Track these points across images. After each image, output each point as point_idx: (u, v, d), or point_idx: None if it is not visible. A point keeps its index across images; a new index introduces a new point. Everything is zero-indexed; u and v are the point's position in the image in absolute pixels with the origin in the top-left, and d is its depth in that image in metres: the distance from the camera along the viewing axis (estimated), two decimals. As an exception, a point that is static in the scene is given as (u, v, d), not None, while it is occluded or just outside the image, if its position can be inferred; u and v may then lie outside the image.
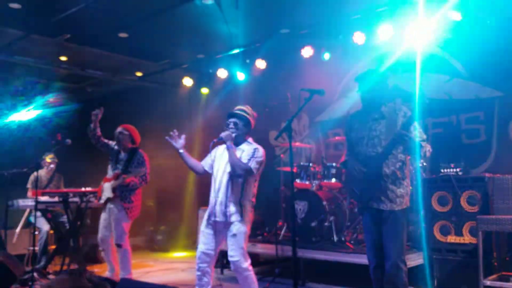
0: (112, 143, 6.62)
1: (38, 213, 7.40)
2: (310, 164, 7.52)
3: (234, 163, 4.71)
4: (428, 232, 5.82)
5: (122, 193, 6.32)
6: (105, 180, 6.50)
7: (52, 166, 8.24)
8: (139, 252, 10.65)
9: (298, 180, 7.46)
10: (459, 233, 5.59)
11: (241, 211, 4.77)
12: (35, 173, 7.46)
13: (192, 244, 9.63)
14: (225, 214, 4.75)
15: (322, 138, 9.06)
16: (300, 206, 7.09)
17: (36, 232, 7.70)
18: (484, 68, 7.35)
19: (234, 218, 4.74)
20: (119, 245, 6.29)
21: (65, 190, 7.34)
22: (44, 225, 7.75)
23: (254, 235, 7.42)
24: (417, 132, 4.24)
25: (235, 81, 9.84)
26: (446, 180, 5.65)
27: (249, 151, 4.85)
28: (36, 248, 7.65)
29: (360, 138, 4.50)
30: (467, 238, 5.51)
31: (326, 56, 8.60)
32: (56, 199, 6.93)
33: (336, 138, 8.52)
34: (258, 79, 9.71)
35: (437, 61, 7.87)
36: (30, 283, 5.92)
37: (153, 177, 11.79)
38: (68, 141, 6.90)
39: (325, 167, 7.37)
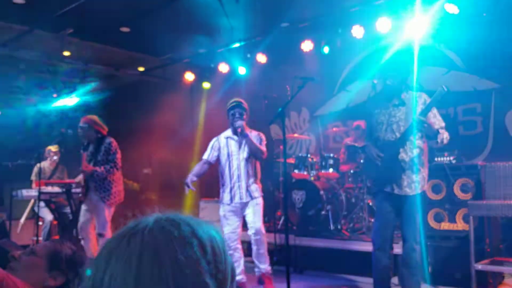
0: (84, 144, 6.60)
1: (42, 204, 7.53)
2: (308, 155, 7.63)
3: (256, 149, 5.42)
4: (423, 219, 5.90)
5: (94, 182, 6.32)
6: None
7: (55, 157, 8.37)
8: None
9: (296, 171, 7.57)
10: (452, 220, 5.68)
11: (259, 188, 5.56)
12: (38, 165, 7.60)
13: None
14: (250, 194, 5.45)
15: (321, 131, 9.14)
16: (298, 196, 7.20)
17: (40, 223, 7.82)
18: (481, 60, 7.44)
19: (257, 194, 5.49)
20: (100, 235, 6.29)
21: (68, 181, 7.43)
22: (47, 215, 7.88)
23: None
24: (435, 120, 4.36)
25: (236, 75, 9.91)
26: (440, 169, 5.74)
27: (256, 137, 5.51)
28: (40, 238, 7.77)
29: (379, 123, 4.61)
30: (460, 225, 5.60)
31: (326, 49, 8.67)
32: (59, 189, 7.05)
33: (334, 129, 8.61)
34: (259, 73, 9.79)
35: (435, 54, 7.96)
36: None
37: (155, 171, 12.02)
38: (70, 131, 7.00)
39: (323, 158, 7.48)
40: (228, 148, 5.57)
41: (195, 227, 1.06)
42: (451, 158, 5.91)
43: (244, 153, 5.47)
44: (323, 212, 6.94)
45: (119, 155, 6.42)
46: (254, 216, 5.40)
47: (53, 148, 8.35)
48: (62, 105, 10.40)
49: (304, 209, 7.14)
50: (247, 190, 5.45)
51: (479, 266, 4.85)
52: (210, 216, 8.74)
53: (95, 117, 6.57)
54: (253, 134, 5.55)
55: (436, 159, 5.99)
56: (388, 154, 4.47)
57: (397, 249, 5.34)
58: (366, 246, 6.04)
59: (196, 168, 5.78)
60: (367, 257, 5.92)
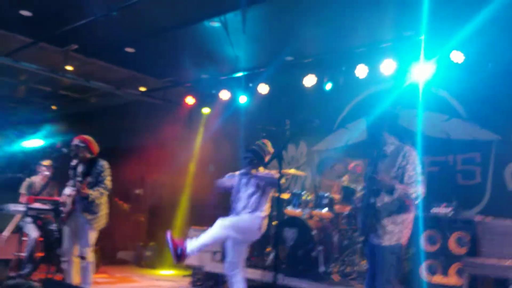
0: (72, 163, 6.53)
1: (28, 219, 7.40)
2: (303, 192, 7.53)
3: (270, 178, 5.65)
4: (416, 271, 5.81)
5: (83, 205, 6.18)
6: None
7: (46, 173, 8.22)
8: (127, 266, 10.63)
9: (289, 207, 7.47)
10: (445, 274, 5.58)
11: None
12: (28, 179, 7.49)
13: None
14: None
15: (318, 167, 9.05)
16: (289, 234, 7.08)
17: (25, 238, 7.67)
18: (483, 110, 7.41)
19: None
20: (82, 257, 6.15)
21: (57, 198, 7.30)
22: (33, 232, 7.72)
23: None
24: (409, 173, 4.33)
25: (236, 104, 9.88)
26: (436, 220, 5.66)
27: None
28: (22, 254, 7.61)
29: (367, 172, 4.69)
30: (452, 280, 5.50)
31: (328, 86, 8.63)
32: (47, 206, 6.92)
33: (334, 168, 8.52)
34: (260, 103, 9.76)
35: (437, 100, 7.94)
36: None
37: (147, 193, 11.92)
38: (64, 149, 6.87)
39: (317, 196, 7.38)
40: (240, 182, 5.88)
41: None
42: (449, 209, 5.83)
43: (248, 189, 5.74)
44: (313, 253, 6.81)
45: (110, 178, 6.32)
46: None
47: (45, 162, 8.22)
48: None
49: (294, 247, 7.01)
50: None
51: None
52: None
53: (89, 137, 6.49)
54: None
55: (432, 210, 5.91)
56: (367, 202, 4.53)
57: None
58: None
59: (222, 180, 6.13)
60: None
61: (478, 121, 7.54)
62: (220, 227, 5.44)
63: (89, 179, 6.15)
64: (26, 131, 10.40)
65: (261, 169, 5.73)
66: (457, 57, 7.04)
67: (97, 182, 6.20)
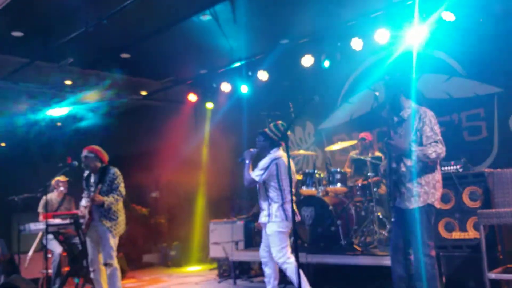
0: (85, 174, 6.63)
1: (50, 236, 7.49)
2: (315, 171, 7.59)
3: (243, 177, 5.45)
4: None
5: (100, 212, 6.28)
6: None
7: (62, 188, 8.34)
8: (154, 269, 10.77)
9: (304, 187, 7.52)
10: (463, 229, 5.62)
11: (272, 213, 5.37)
12: (45, 197, 7.59)
13: (205, 257, 9.71)
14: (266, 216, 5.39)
15: (326, 144, 9.12)
16: (307, 213, 7.15)
17: (49, 255, 7.79)
18: (481, 65, 7.44)
19: (269, 219, 5.35)
20: (107, 264, 6.26)
21: (75, 211, 7.41)
22: (56, 248, 7.84)
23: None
24: (431, 134, 4.41)
25: (239, 94, 9.94)
26: (447, 178, 5.68)
27: (261, 163, 5.44)
28: (50, 271, 7.73)
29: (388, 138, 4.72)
30: (471, 233, 5.53)
31: (326, 63, 8.65)
32: (67, 221, 7.02)
33: (342, 143, 8.59)
34: (261, 90, 9.81)
35: (434, 62, 7.95)
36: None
37: (163, 194, 12.03)
38: (75, 163, 6.95)
39: (330, 173, 7.44)
40: None
41: None
42: (458, 166, 5.85)
43: None
44: (333, 228, 6.88)
45: (123, 184, 6.41)
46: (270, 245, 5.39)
47: (61, 178, 8.32)
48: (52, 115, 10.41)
49: (314, 225, 7.09)
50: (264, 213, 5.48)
51: (493, 275, 4.79)
52: (220, 238, 8.71)
53: (97, 147, 6.58)
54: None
55: (443, 168, 5.94)
56: (390, 168, 4.59)
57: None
58: (379, 260, 5.99)
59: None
60: (380, 271, 5.89)
61: (477, 77, 7.56)
62: None
63: (102, 187, 6.26)
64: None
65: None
66: (449, 16, 7.05)
67: (111, 189, 6.29)
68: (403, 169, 4.51)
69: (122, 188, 6.37)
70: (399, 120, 4.63)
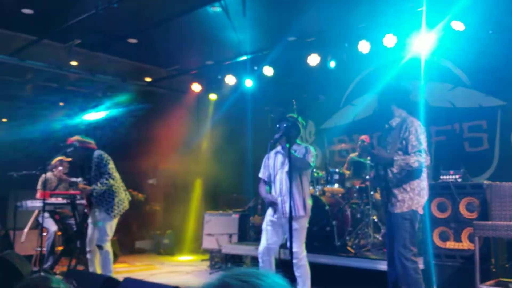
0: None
1: (46, 214, 7.54)
2: (314, 170, 7.61)
3: (295, 160, 5.01)
4: (428, 238, 5.89)
5: (94, 198, 6.35)
6: None
7: (61, 168, 8.35)
8: (146, 255, 10.79)
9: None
10: (458, 239, 5.66)
11: (302, 206, 5.18)
12: (44, 175, 7.61)
13: (198, 248, 9.74)
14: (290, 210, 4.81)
15: (327, 145, 9.14)
16: (303, 211, 7.17)
17: (44, 233, 7.82)
18: (487, 77, 7.46)
19: (299, 213, 5.15)
20: (100, 246, 6.30)
21: (73, 192, 7.43)
22: (52, 226, 7.89)
23: (258, 238, 7.51)
24: (412, 142, 4.45)
25: (243, 88, 9.93)
26: (445, 187, 5.72)
27: (300, 150, 5.23)
28: (44, 249, 7.77)
29: (382, 146, 4.86)
30: (465, 244, 5.58)
31: (332, 64, 8.66)
32: (64, 201, 7.05)
33: (342, 145, 8.62)
34: (265, 85, 9.81)
35: (440, 70, 7.97)
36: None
37: (160, 182, 12.04)
38: (76, 143, 6.96)
39: (328, 173, 7.47)
40: (274, 162, 5.40)
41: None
42: (457, 176, 5.88)
43: (286, 166, 5.12)
44: (328, 228, 6.91)
45: (111, 165, 6.41)
46: (293, 239, 4.91)
47: (63, 158, 8.33)
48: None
49: (309, 224, 7.11)
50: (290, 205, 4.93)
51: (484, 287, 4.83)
52: (214, 229, 8.73)
53: (77, 136, 6.60)
54: (296, 148, 5.26)
55: (441, 177, 5.97)
56: (382, 175, 4.74)
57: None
58: (371, 264, 6.03)
59: (262, 189, 5.49)
60: (372, 275, 5.93)
61: (483, 89, 7.58)
62: None
63: (90, 173, 6.33)
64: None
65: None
66: (458, 26, 7.06)
67: (100, 173, 6.31)
68: (390, 175, 4.64)
69: (111, 169, 6.37)
70: (388, 128, 4.76)
